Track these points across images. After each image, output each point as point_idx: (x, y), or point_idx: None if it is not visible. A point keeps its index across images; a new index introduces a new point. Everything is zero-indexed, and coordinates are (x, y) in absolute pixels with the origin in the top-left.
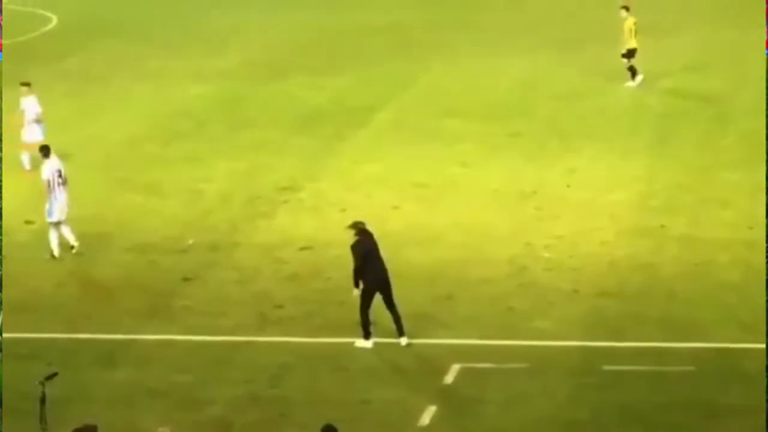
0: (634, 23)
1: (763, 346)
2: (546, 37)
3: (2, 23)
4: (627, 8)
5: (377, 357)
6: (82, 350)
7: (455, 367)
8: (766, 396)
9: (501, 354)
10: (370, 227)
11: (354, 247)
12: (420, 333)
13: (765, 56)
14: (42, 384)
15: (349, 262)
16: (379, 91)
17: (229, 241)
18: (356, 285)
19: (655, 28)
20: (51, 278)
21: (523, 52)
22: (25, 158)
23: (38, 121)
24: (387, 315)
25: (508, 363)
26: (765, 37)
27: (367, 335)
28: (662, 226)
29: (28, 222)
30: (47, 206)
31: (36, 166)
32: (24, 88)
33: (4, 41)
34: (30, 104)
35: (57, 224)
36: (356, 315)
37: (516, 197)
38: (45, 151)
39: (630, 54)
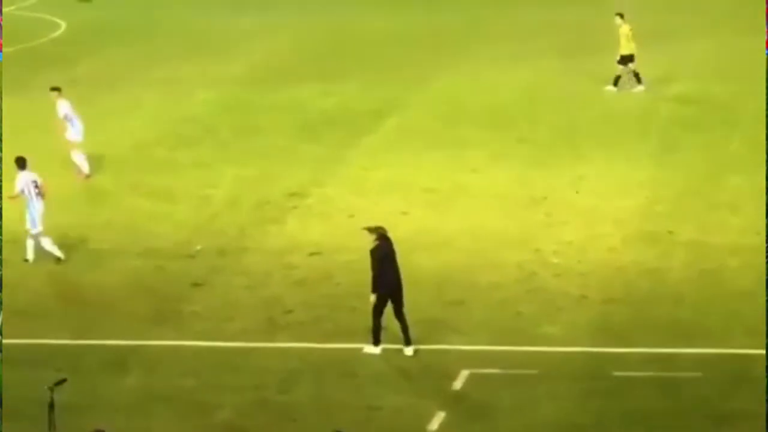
0: (630, 29)
1: None
2: (554, 43)
3: (2, 24)
4: (622, 15)
5: (386, 363)
6: (91, 356)
7: (464, 373)
8: None
9: (509, 360)
10: (390, 235)
11: (373, 252)
12: (429, 338)
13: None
14: (51, 390)
15: (358, 268)
16: (388, 97)
17: (238, 246)
18: (374, 290)
19: (662, 35)
20: (59, 284)
21: (532, 59)
22: (80, 159)
23: (72, 120)
24: (396, 322)
25: (517, 369)
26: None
27: (376, 342)
28: (670, 231)
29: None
30: (27, 216)
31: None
32: (54, 93)
33: (12, 47)
34: (63, 107)
35: (37, 235)
36: (366, 320)
37: (525, 203)
38: (21, 162)
39: (625, 60)
